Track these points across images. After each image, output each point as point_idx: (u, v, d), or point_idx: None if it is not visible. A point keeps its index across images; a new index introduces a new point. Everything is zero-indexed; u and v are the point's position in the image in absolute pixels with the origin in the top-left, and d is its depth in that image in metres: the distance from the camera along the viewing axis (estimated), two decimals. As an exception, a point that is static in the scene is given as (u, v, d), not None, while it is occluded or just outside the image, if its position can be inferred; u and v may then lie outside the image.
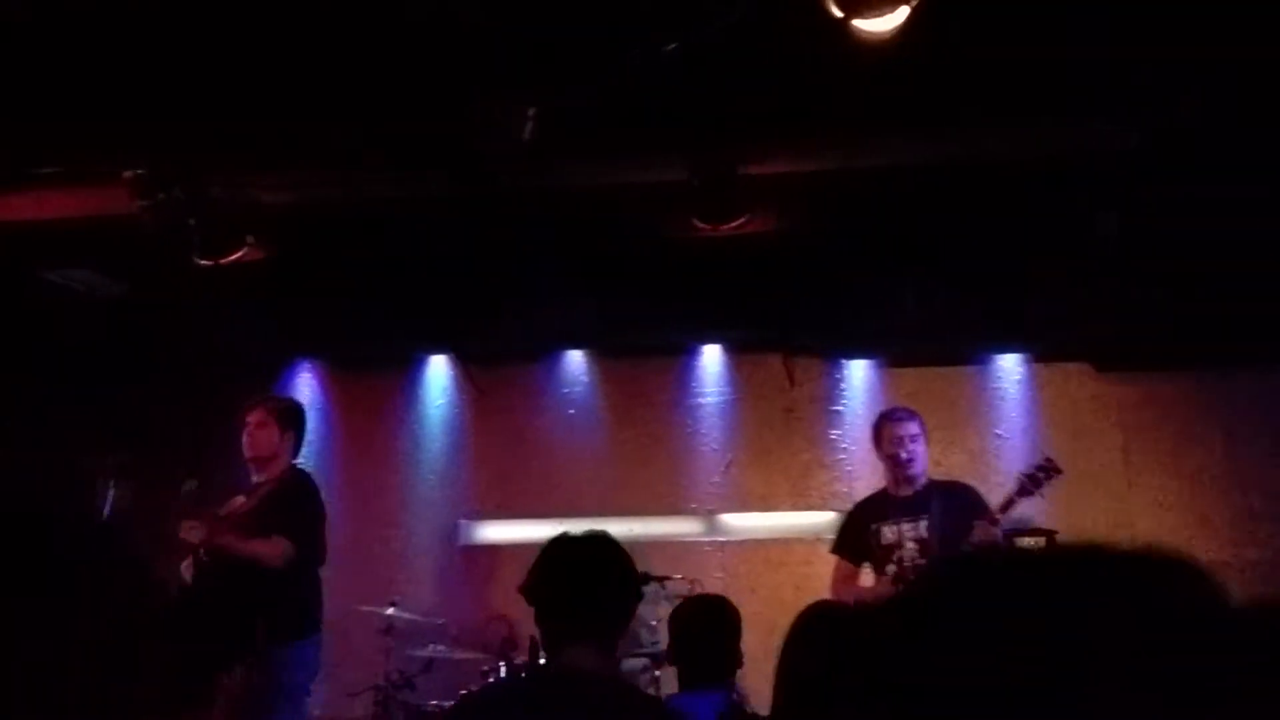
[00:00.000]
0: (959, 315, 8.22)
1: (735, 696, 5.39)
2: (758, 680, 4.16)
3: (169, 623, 1.46)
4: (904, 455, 6.78)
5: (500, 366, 9.58)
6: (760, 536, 9.20)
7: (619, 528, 8.77)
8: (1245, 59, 5.35)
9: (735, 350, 9.41)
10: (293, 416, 6.93)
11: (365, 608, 8.27)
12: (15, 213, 7.11)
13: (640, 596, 3.59)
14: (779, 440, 9.31)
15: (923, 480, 6.84)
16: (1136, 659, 0.68)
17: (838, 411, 9.26)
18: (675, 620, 5.15)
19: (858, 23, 4.97)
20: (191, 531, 6.24)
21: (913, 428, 6.86)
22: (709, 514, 9.29)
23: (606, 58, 5.46)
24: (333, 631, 7.61)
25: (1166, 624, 0.71)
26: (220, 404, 6.84)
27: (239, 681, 3.34)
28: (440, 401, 9.75)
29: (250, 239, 7.35)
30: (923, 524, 6.69)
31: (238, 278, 7.41)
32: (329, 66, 5.68)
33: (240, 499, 6.59)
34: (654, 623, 7.69)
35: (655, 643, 7.56)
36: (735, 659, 5.00)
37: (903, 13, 4.92)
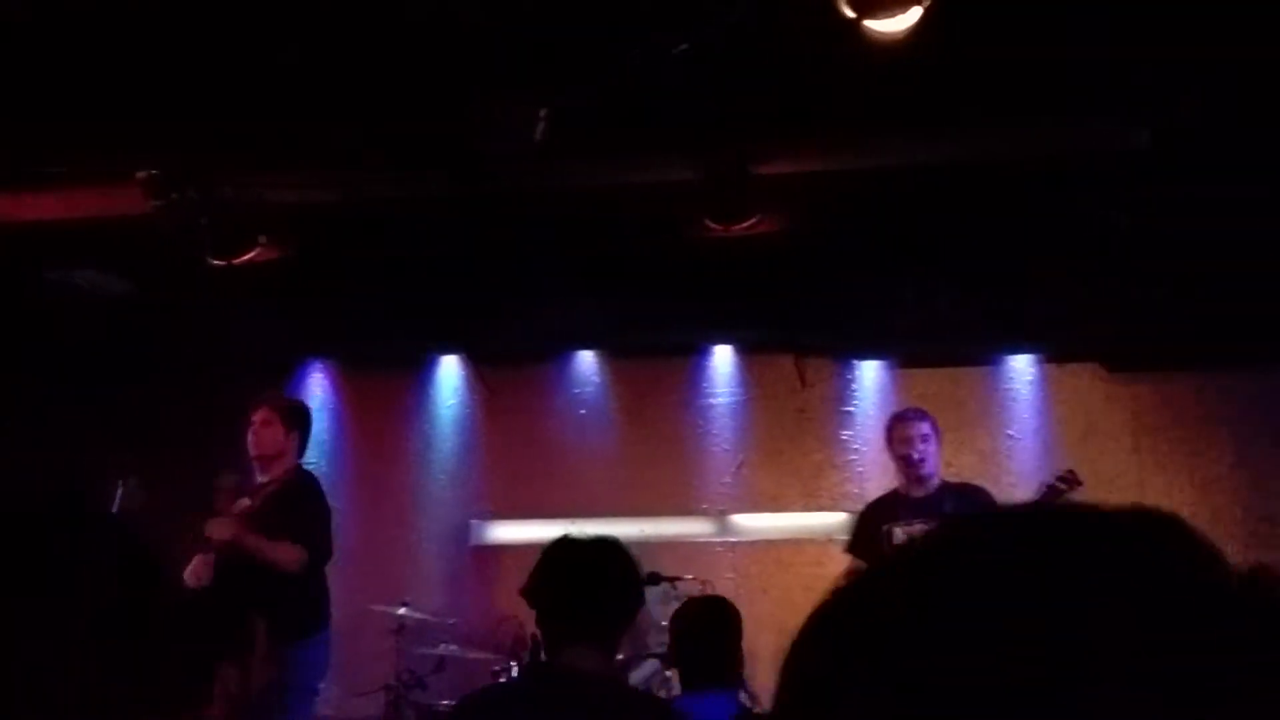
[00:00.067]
0: (970, 316, 8.21)
1: (745, 698, 5.39)
2: (769, 681, 4.15)
3: (176, 621, 1.46)
4: (915, 456, 6.77)
5: (511, 367, 9.59)
6: (771, 537, 9.20)
7: (630, 528, 8.88)
8: (1254, 58, 5.33)
9: (746, 351, 9.40)
10: (298, 416, 6.89)
11: (376, 607, 8.28)
12: (29, 212, 7.12)
13: (642, 599, 3.60)
14: (790, 441, 9.31)
15: (935, 481, 6.83)
16: (1137, 657, 0.69)
17: (849, 412, 9.26)
18: (676, 622, 5.15)
19: (870, 23, 4.97)
20: (219, 529, 6.22)
21: (924, 428, 6.85)
22: (720, 514, 9.29)
23: (618, 58, 5.46)
24: (344, 631, 7.62)
25: (1168, 615, 0.71)
26: (232, 404, 6.83)
27: (237, 681, 3.34)
28: (451, 402, 9.76)
29: (262, 239, 7.36)
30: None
31: (250, 278, 7.42)
32: (339, 67, 5.69)
33: (244, 499, 6.56)
34: (665, 624, 7.69)
35: (665, 644, 7.56)
36: (737, 660, 5.00)
37: (915, 13, 4.92)
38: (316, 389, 9.82)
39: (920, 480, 6.80)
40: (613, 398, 9.56)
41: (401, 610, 8.16)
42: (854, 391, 9.28)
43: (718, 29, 5.20)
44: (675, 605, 7.10)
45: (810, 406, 9.32)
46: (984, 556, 0.76)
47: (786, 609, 8.67)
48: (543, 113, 5.88)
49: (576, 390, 9.62)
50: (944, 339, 8.65)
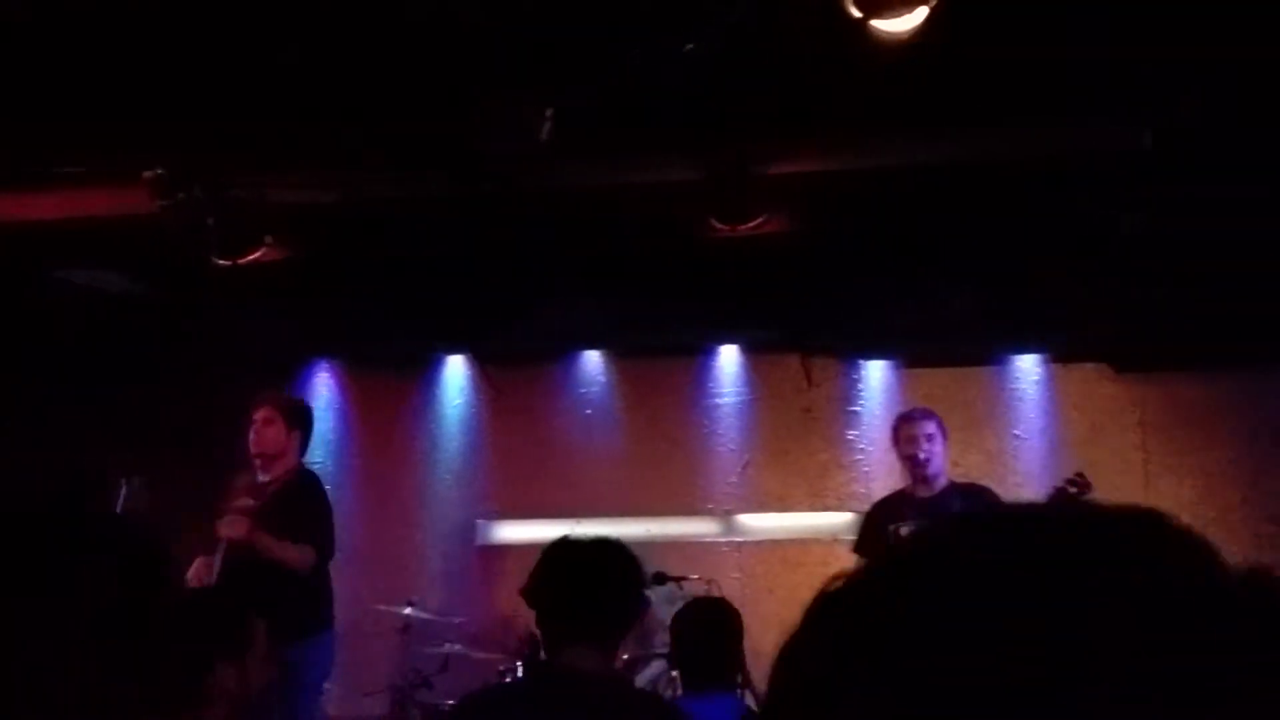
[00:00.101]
0: (976, 316, 8.20)
1: (753, 700, 5.39)
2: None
3: (176, 621, 1.46)
4: (921, 455, 6.77)
5: (517, 367, 9.59)
6: (777, 537, 9.20)
7: (636, 528, 8.89)
8: (1257, 57, 5.33)
9: (752, 350, 9.40)
10: (300, 414, 6.87)
11: (382, 607, 8.29)
12: (34, 212, 7.13)
13: (643, 599, 3.60)
14: (796, 441, 9.31)
15: (942, 481, 6.83)
16: (1137, 657, 0.69)
17: (855, 412, 9.26)
18: (676, 623, 5.15)
19: (876, 23, 4.97)
20: (233, 527, 6.21)
21: (929, 427, 6.85)
22: (726, 514, 9.29)
23: (623, 57, 5.46)
24: (350, 630, 7.64)
25: (1167, 615, 0.71)
26: (238, 404, 6.82)
27: (236, 680, 3.34)
28: (457, 401, 9.77)
29: (268, 239, 7.36)
30: (942, 526, 6.67)
31: (256, 278, 7.42)
32: (345, 67, 5.69)
33: (247, 498, 6.55)
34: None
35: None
36: (737, 661, 5.01)
37: (921, 13, 4.91)
38: (322, 389, 9.84)
39: (926, 480, 6.80)
40: (618, 398, 9.56)
41: (407, 610, 8.17)
42: (860, 391, 9.28)
43: (724, 29, 5.19)
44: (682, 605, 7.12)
45: (816, 406, 9.32)
46: (983, 555, 0.75)
47: (793, 609, 8.52)
48: (549, 112, 5.88)
49: (582, 390, 9.62)
50: (950, 339, 8.65)
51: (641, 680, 6.97)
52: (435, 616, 8.27)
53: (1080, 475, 6.68)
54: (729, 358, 9.46)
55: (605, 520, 8.50)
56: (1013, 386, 9.12)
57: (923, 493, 6.81)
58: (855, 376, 9.30)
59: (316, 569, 6.48)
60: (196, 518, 6.78)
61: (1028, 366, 9.11)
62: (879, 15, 4.94)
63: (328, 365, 9.88)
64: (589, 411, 9.56)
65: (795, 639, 0.78)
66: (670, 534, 8.97)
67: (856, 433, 9.20)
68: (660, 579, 7.83)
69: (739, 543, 9.23)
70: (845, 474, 9.17)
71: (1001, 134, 6.51)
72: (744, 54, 5.49)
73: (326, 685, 6.98)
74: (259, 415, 6.68)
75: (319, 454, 9.54)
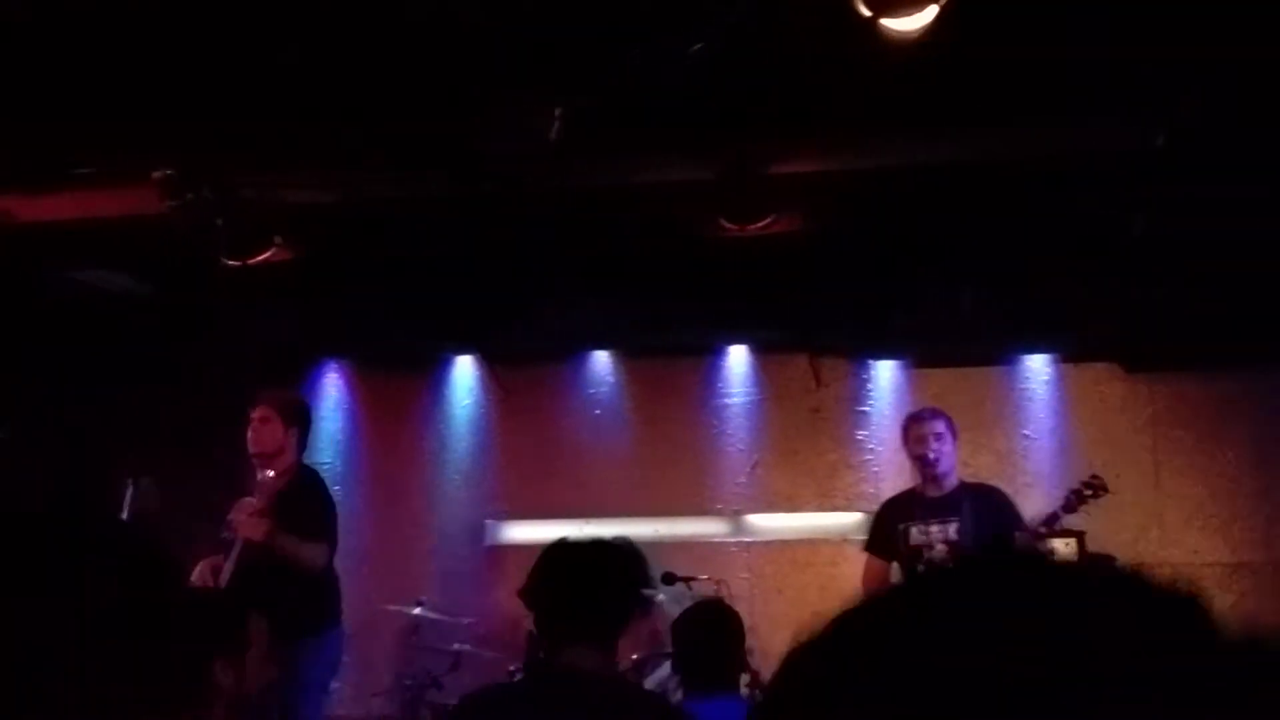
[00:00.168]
0: (986, 315, 8.19)
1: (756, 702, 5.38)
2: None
3: (177, 621, 1.45)
4: (930, 455, 6.76)
5: (526, 367, 9.60)
6: (786, 537, 9.20)
7: (645, 528, 8.90)
8: (1268, 57, 5.32)
9: (761, 350, 9.40)
10: (297, 412, 6.84)
11: (392, 607, 8.30)
12: (44, 213, 7.14)
13: (641, 598, 3.62)
14: (805, 441, 9.30)
15: (952, 481, 6.82)
16: (1137, 657, 0.69)
17: (864, 412, 9.25)
18: (677, 627, 5.16)
19: (886, 22, 4.96)
20: (251, 528, 6.21)
21: (938, 426, 6.84)
22: (735, 514, 9.29)
23: (633, 57, 5.46)
24: (359, 630, 7.65)
25: (1166, 617, 0.72)
26: (246, 405, 6.83)
27: (235, 680, 3.35)
28: (466, 402, 9.77)
29: (277, 239, 7.37)
30: (952, 526, 6.67)
31: (265, 278, 7.43)
32: (354, 68, 5.69)
33: (250, 499, 6.54)
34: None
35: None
36: (739, 663, 5.02)
37: (931, 12, 4.91)
38: (331, 389, 9.85)
39: (936, 479, 6.79)
40: (627, 398, 9.57)
41: (416, 610, 8.18)
42: (869, 391, 9.27)
43: (733, 28, 5.19)
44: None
45: (825, 406, 9.31)
46: (984, 570, 0.76)
47: (801, 609, 8.67)
48: (558, 112, 5.88)
49: (591, 390, 9.62)
50: (959, 339, 8.64)
51: (651, 681, 6.97)
52: (444, 616, 8.28)
53: (1096, 477, 6.67)
54: (738, 358, 9.45)
55: (614, 520, 8.50)
56: (1023, 386, 9.11)
57: (932, 492, 6.80)
58: (864, 376, 9.30)
59: (328, 565, 6.50)
60: (205, 519, 6.79)
61: (1038, 366, 9.10)
62: (889, 14, 4.94)
63: (336, 365, 9.89)
64: (598, 412, 9.57)
65: (799, 646, 0.79)
66: (679, 534, 8.97)
67: (865, 433, 9.20)
68: (669, 579, 7.84)
69: (748, 543, 9.22)
70: (854, 474, 9.17)
71: (1011, 134, 6.50)
72: (753, 53, 5.48)
73: (335, 684, 6.99)
74: (256, 414, 6.65)
75: (327, 454, 9.56)
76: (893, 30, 5.00)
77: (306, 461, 6.89)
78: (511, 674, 7.42)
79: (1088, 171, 6.61)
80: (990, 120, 6.34)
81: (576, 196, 7.00)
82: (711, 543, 9.17)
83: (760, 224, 7.03)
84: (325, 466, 9.29)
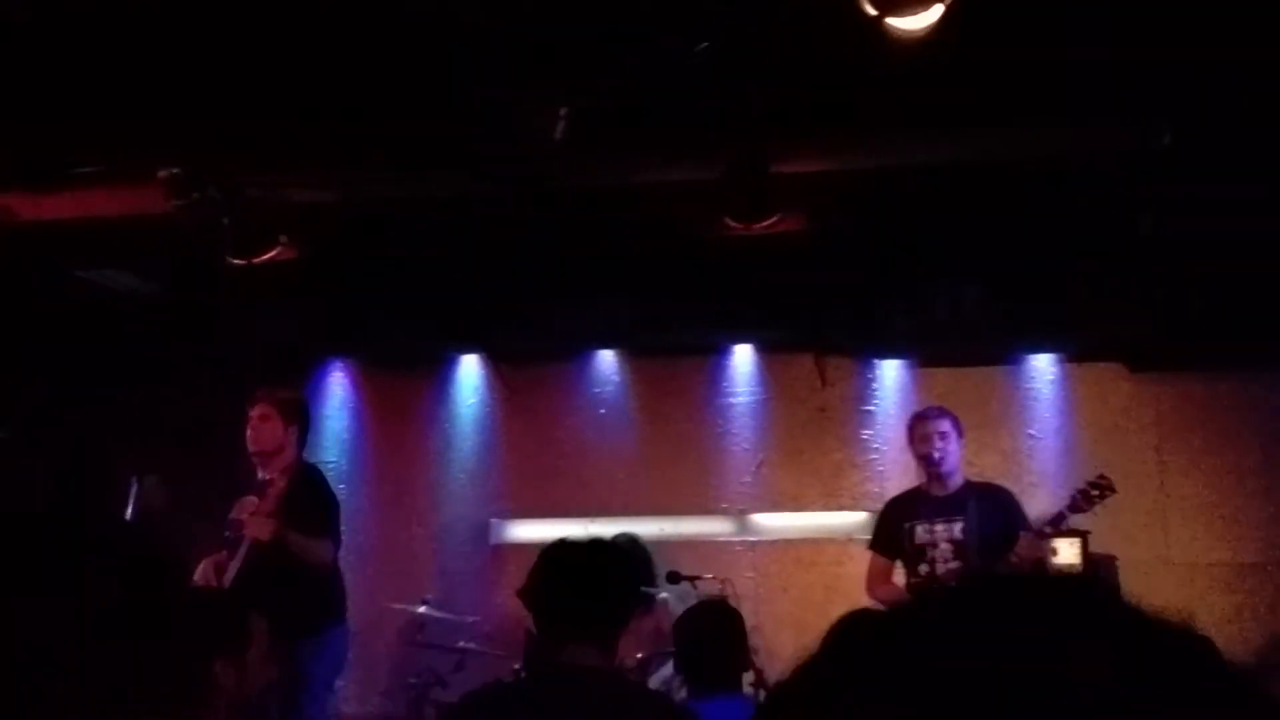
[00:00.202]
0: (992, 315, 8.19)
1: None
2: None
3: (176, 621, 1.45)
4: (935, 454, 6.76)
5: (532, 366, 9.60)
6: (791, 537, 9.19)
7: (650, 527, 8.89)
8: (1277, 55, 5.31)
9: (767, 350, 9.40)
10: (296, 409, 6.80)
11: (397, 606, 8.30)
12: (49, 212, 7.15)
13: (639, 596, 3.65)
14: (811, 440, 9.30)
15: (957, 480, 6.81)
16: (1135, 655, 0.70)
17: (870, 411, 9.24)
18: (679, 627, 5.17)
19: (892, 21, 4.96)
20: (260, 528, 6.20)
21: (943, 425, 6.83)
22: (740, 514, 9.29)
23: (638, 56, 5.46)
24: (364, 629, 7.65)
25: (1161, 623, 0.73)
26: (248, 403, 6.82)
27: (235, 680, 3.35)
28: (471, 401, 9.77)
29: (283, 239, 7.37)
30: (957, 526, 6.66)
31: (270, 277, 7.44)
32: (359, 67, 5.70)
33: (252, 498, 6.54)
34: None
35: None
36: (741, 663, 5.02)
37: (936, 11, 4.91)
38: (336, 388, 9.86)
39: (941, 479, 6.79)
40: (633, 397, 9.56)
41: (422, 609, 8.18)
42: (875, 391, 9.26)
43: (738, 27, 5.19)
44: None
45: (831, 406, 9.31)
46: (985, 584, 0.77)
47: (806, 608, 8.67)
48: (563, 111, 5.88)
49: (596, 389, 9.62)
50: (965, 338, 8.62)
51: (655, 680, 6.96)
52: (449, 615, 8.28)
53: (1103, 477, 6.65)
54: (743, 357, 9.45)
55: (619, 520, 8.51)
56: (1028, 386, 9.10)
57: (938, 491, 6.80)
58: (870, 376, 9.29)
59: (334, 561, 6.51)
60: (209, 517, 6.79)
61: (1043, 366, 9.09)
62: (894, 13, 4.94)
63: (342, 365, 9.89)
64: (603, 411, 9.56)
65: (807, 656, 0.80)
66: (684, 533, 8.97)
67: (871, 432, 9.19)
68: (674, 578, 7.83)
69: (753, 542, 9.22)
70: (859, 473, 9.16)
71: (1017, 134, 6.50)
72: (758, 53, 5.49)
73: (340, 683, 6.99)
74: (254, 412, 6.63)
75: (333, 453, 9.57)
76: (899, 29, 5.00)
77: (307, 459, 6.88)
78: (516, 673, 7.42)
79: (1094, 171, 6.61)
80: (995, 120, 6.34)
81: (581, 196, 7.00)
82: (716, 542, 9.16)
83: (765, 223, 7.03)
84: (330, 465, 9.30)
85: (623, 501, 9.06)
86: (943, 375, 8.99)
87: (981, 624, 0.72)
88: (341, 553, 6.64)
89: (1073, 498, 6.61)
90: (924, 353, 9.12)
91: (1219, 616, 8.02)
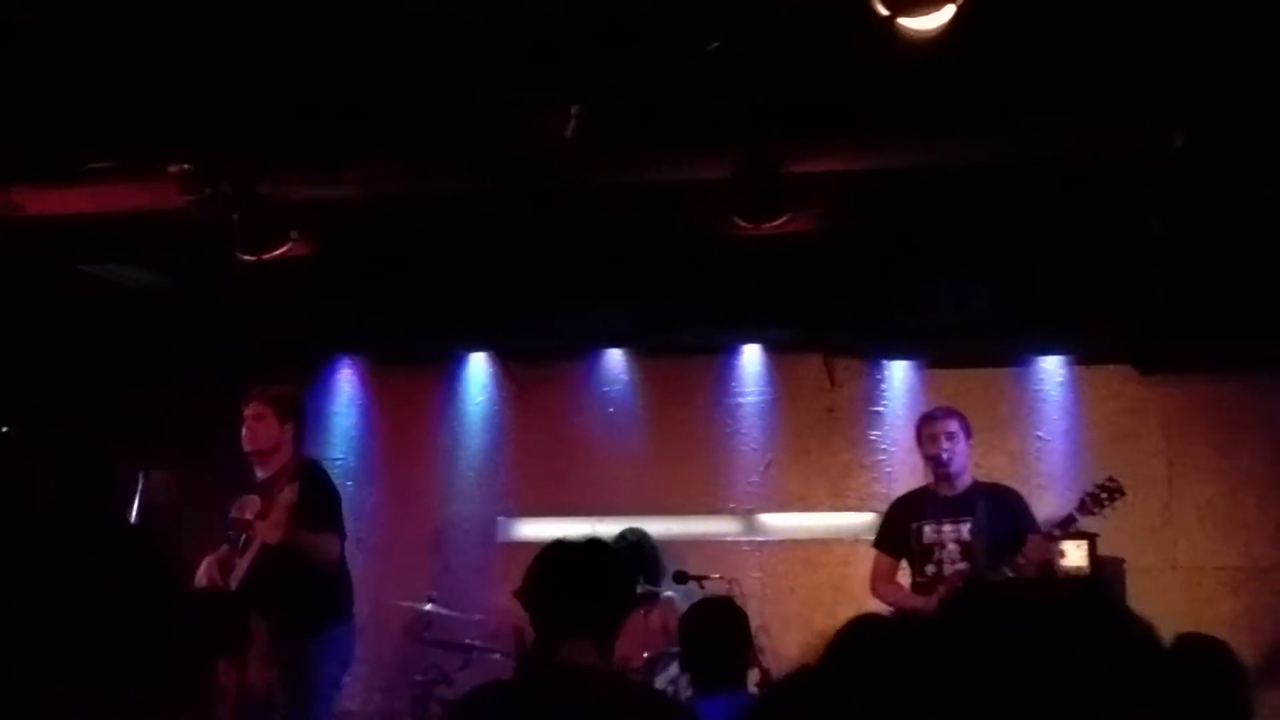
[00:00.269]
0: (1000, 316, 8.17)
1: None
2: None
3: (177, 621, 1.45)
4: (943, 455, 6.76)
5: (540, 364, 9.60)
6: (799, 537, 9.18)
7: (657, 526, 8.88)
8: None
9: (775, 350, 9.39)
10: (291, 406, 6.78)
11: (403, 603, 8.31)
12: (60, 206, 7.16)
13: (636, 598, 3.68)
14: (818, 441, 9.29)
15: (965, 480, 6.81)
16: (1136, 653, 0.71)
17: (878, 412, 9.23)
18: (683, 625, 5.17)
19: (903, 21, 4.95)
20: (270, 532, 6.18)
21: (950, 425, 6.83)
22: (748, 514, 9.28)
23: (647, 55, 5.45)
24: (370, 626, 7.65)
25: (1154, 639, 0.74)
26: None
27: (236, 680, 3.36)
28: (480, 399, 9.77)
29: (293, 235, 7.37)
30: (965, 526, 6.66)
31: (280, 274, 7.44)
32: (369, 64, 5.70)
33: (254, 497, 6.53)
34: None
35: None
36: (745, 661, 5.03)
37: (948, 11, 4.89)
38: (345, 385, 9.86)
39: (949, 479, 6.78)
40: (641, 396, 9.56)
41: (428, 606, 8.18)
42: (883, 391, 9.25)
43: (749, 26, 5.19)
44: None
45: (839, 406, 9.30)
46: (988, 593, 0.79)
47: (813, 608, 8.67)
48: (574, 110, 5.88)
49: (605, 388, 9.62)
50: (974, 340, 8.61)
51: (662, 680, 6.96)
52: (455, 613, 8.28)
53: (1111, 480, 6.64)
54: (752, 357, 9.44)
55: (626, 519, 8.51)
56: (1036, 388, 9.08)
57: (946, 491, 6.80)
58: (878, 377, 9.28)
59: (340, 555, 6.50)
60: (215, 514, 6.80)
61: (1051, 368, 9.07)
62: (906, 13, 4.92)
63: (350, 362, 9.90)
64: (611, 410, 9.56)
65: (813, 655, 0.82)
66: (691, 533, 8.97)
67: (879, 433, 9.18)
68: (681, 578, 7.83)
69: (760, 542, 9.21)
70: (867, 474, 9.15)
71: (1027, 135, 6.49)
72: (769, 52, 5.48)
73: (346, 679, 6.99)
74: (249, 412, 6.61)
75: (340, 450, 9.58)
76: (910, 29, 4.98)
77: (306, 454, 6.87)
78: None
79: (1104, 173, 6.59)
80: (1005, 121, 6.33)
81: (591, 195, 6.99)
82: (724, 541, 9.16)
83: (775, 223, 7.02)
84: (338, 462, 9.32)
85: (630, 501, 9.05)
86: (951, 377, 8.97)
87: (985, 628, 0.73)
88: (348, 549, 6.64)
89: (1082, 500, 6.60)
90: (932, 354, 9.11)
91: (1226, 620, 7.99)
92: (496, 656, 7.84)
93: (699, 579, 7.76)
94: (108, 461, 7.95)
